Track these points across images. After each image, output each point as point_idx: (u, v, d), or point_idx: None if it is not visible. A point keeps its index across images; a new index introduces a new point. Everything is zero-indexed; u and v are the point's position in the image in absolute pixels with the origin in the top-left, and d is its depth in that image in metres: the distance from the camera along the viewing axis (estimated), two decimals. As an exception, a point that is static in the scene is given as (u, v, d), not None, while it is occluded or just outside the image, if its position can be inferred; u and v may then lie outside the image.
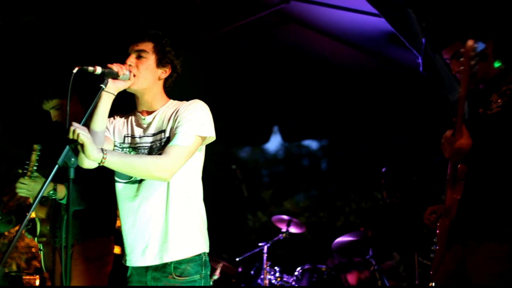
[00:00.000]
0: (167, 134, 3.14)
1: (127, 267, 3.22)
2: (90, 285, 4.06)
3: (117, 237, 3.93)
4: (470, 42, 2.87)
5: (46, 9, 5.13)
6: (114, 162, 2.89)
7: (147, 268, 3.12)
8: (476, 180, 3.17)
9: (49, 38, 5.42)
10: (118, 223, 4.33)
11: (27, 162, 3.87)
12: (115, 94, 3.12)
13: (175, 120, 3.12)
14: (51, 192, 3.92)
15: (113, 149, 3.24)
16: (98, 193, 4.10)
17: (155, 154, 3.12)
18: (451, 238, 3.25)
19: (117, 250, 4.64)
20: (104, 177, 3.49)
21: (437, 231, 3.44)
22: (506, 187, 3.08)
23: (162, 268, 3.08)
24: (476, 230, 3.15)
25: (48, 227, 4.23)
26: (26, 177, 3.84)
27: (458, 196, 3.21)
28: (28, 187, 3.84)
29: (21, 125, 5.72)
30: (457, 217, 3.21)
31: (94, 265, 4.14)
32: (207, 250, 3.18)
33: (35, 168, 3.87)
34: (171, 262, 3.06)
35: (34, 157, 3.88)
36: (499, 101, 3.07)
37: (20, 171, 3.86)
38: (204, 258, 3.14)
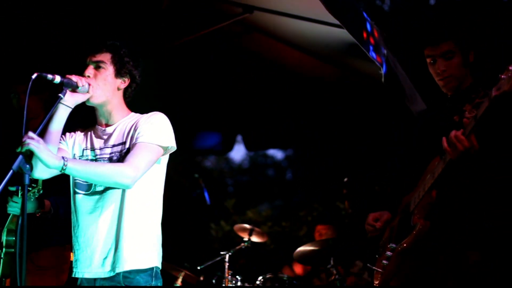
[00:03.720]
0: (127, 146, 3.12)
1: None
2: None
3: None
4: None
5: (46, 9, 5.11)
6: (76, 169, 2.88)
7: (95, 278, 3.11)
8: (454, 185, 3.26)
9: (49, 38, 5.41)
10: None
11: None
12: (72, 107, 3.10)
13: (135, 131, 3.11)
14: (37, 210, 3.93)
15: None
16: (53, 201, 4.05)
17: None
18: (424, 242, 3.31)
19: None
20: (59, 185, 3.45)
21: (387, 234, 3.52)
22: (486, 191, 3.21)
23: (111, 277, 3.06)
24: (457, 237, 3.24)
25: (14, 238, 4.16)
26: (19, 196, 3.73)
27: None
28: (19, 206, 3.74)
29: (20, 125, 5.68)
30: (436, 222, 3.29)
31: (47, 275, 4.10)
32: (159, 265, 3.16)
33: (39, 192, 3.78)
34: (121, 272, 3.03)
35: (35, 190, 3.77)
36: (473, 110, 3.13)
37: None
38: (155, 270, 3.12)
